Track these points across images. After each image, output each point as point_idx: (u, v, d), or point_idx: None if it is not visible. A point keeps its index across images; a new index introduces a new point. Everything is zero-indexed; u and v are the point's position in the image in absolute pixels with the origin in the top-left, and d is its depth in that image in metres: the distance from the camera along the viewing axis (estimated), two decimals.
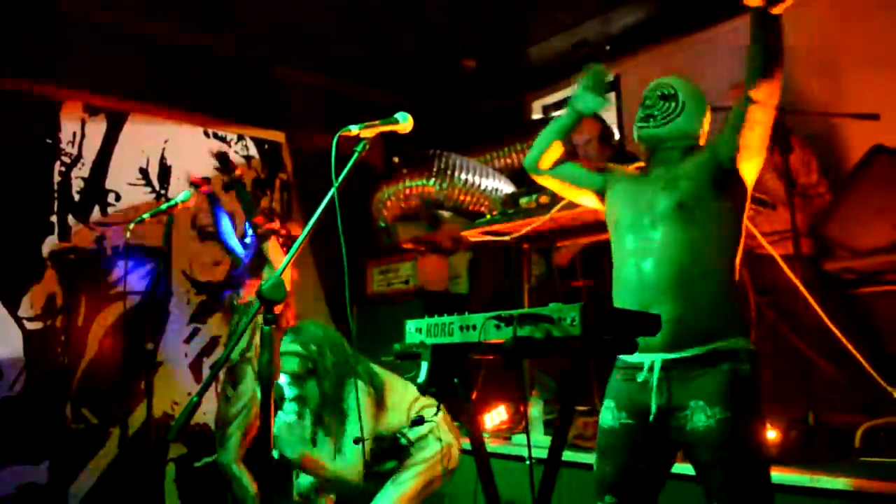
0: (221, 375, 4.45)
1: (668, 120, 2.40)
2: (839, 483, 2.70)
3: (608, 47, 5.88)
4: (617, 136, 5.32)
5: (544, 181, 2.77)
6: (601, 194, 2.59)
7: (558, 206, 3.58)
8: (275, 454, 2.68)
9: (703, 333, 2.16)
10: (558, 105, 6.79)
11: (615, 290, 2.38)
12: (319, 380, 3.09)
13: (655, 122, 2.41)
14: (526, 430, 2.40)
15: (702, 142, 2.46)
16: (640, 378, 2.22)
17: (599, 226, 3.86)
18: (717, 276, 2.22)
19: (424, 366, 2.21)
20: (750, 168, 2.30)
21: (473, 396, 2.60)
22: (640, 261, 2.27)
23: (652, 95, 2.47)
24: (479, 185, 5.40)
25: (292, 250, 1.94)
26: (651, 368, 2.19)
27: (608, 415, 2.31)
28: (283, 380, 3.10)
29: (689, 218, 2.23)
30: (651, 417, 2.18)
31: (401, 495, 3.20)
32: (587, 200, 2.69)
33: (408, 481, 3.23)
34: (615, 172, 2.59)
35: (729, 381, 2.11)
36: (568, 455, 3.40)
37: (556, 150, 2.70)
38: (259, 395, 4.19)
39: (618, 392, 2.30)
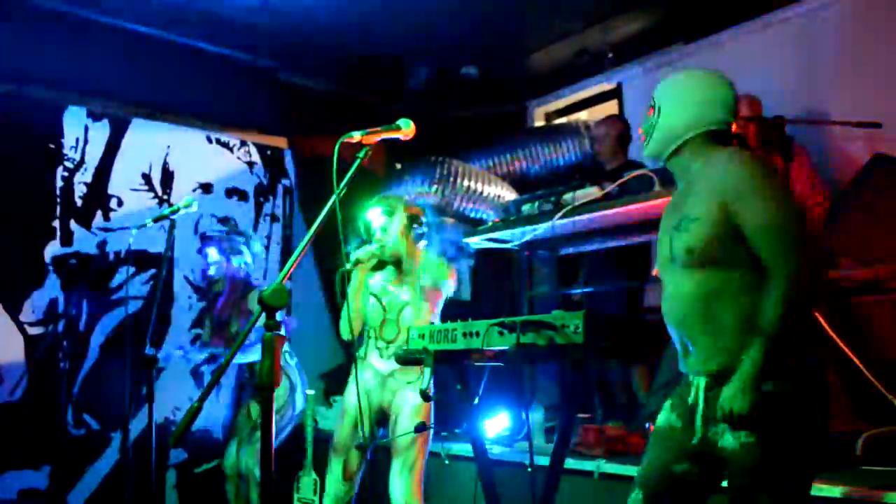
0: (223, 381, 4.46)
1: (650, 133, 2.32)
2: (840, 491, 2.69)
3: (610, 55, 5.89)
4: None
5: None
6: None
7: (560, 213, 3.59)
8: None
9: (734, 359, 2.05)
10: (560, 112, 6.80)
11: (662, 308, 2.32)
12: None
13: (645, 141, 2.35)
14: (528, 437, 2.40)
15: (699, 128, 2.24)
16: (691, 398, 2.18)
17: (601, 232, 3.88)
18: (737, 307, 2.08)
19: (427, 372, 2.22)
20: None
21: (476, 402, 2.59)
22: (672, 295, 2.23)
23: (645, 112, 2.39)
24: (482, 192, 5.41)
25: (293, 256, 1.94)
26: (698, 389, 2.16)
27: (664, 414, 2.27)
28: None
29: (700, 262, 2.11)
30: (695, 438, 2.14)
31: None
32: None
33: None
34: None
35: (760, 402, 1.98)
36: (570, 463, 3.40)
37: None
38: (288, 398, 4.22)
39: (679, 396, 2.26)
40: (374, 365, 3.48)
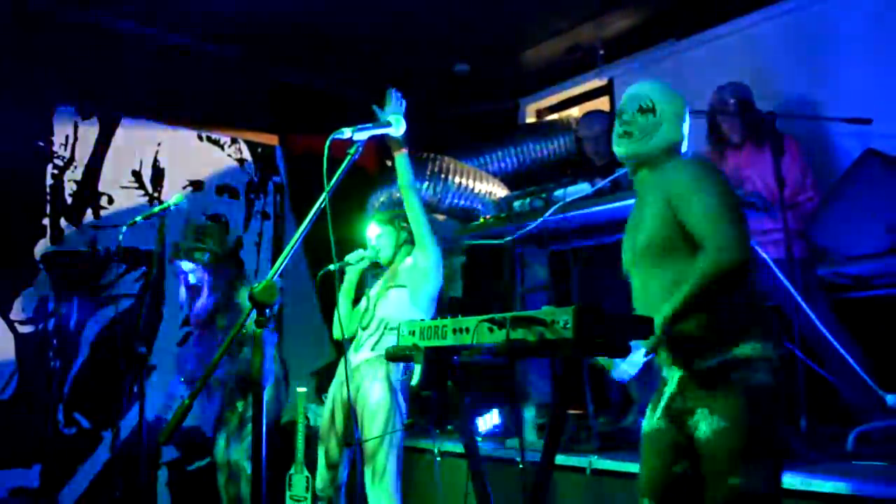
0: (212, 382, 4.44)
1: (646, 136, 2.33)
2: (831, 486, 2.70)
3: (601, 52, 5.89)
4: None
5: None
6: None
7: (552, 209, 3.59)
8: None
9: (715, 346, 2.11)
10: (552, 109, 6.80)
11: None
12: None
13: (632, 139, 2.35)
14: (519, 434, 2.40)
15: (684, 147, 2.41)
16: (667, 391, 2.23)
17: (592, 228, 3.88)
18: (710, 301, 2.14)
19: (418, 368, 2.21)
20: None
21: (467, 399, 2.59)
22: (638, 294, 2.32)
23: (629, 109, 2.39)
24: (473, 189, 5.40)
25: (284, 253, 1.94)
26: (672, 381, 2.21)
27: (647, 420, 2.30)
28: None
29: (660, 258, 2.21)
30: (678, 433, 2.18)
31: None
32: None
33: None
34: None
35: (734, 391, 2.06)
36: (560, 459, 3.40)
37: None
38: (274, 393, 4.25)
39: (656, 398, 2.30)
40: (348, 356, 3.53)
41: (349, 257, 3.55)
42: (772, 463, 2.08)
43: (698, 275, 2.08)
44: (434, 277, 3.45)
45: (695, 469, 2.16)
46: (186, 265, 4.35)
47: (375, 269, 3.77)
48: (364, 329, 3.51)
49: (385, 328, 3.43)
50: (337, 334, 3.51)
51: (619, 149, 2.40)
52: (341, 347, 3.25)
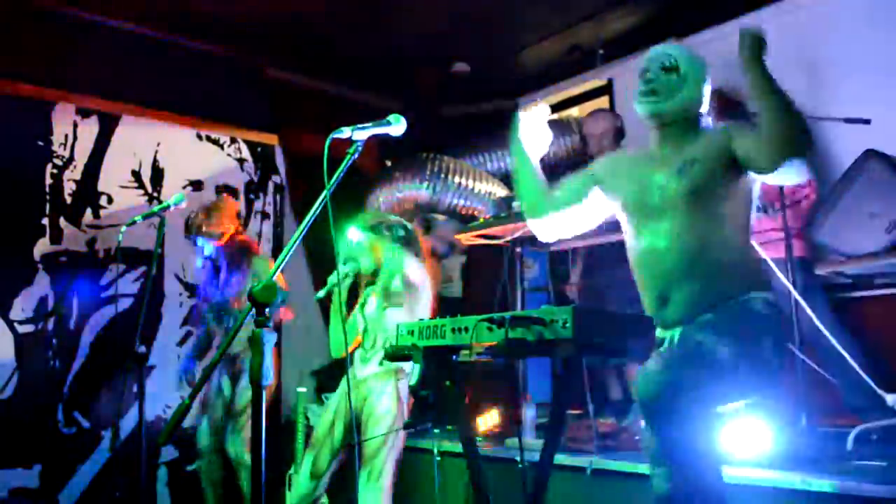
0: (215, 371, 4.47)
1: (671, 94, 2.36)
2: (830, 486, 2.70)
3: (601, 51, 5.89)
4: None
5: (552, 223, 2.68)
6: (602, 187, 2.56)
7: None
8: None
9: (716, 300, 2.18)
10: (551, 108, 6.77)
11: (635, 273, 2.39)
12: None
13: (658, 97, 2.37)
14: (519, 433, 2.40)
15: (703, 108, 2.44)
16: (664, 350, 2.23)
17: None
18: (728, 252, 2.22)
19: (417, 368, 2.22)
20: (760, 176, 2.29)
21: (466, 399, 2.60)
22: (653, 247, 2.29)
23: (652, 67, 2.41)
24: (473, 189, 5.40)
25: (284, 252, 1.93)
26: (672, 341, 2.22)
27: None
28: None
29: (702, 204, 2.22)
30: None
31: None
32: (602, 206, 2.63)
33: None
34: (605, 160, 2.60)
35: (732, 312, 2.14)
36: (560, 458, 3.40)
37: (543, 188, 2.69)
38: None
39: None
40: (355, 368, 3.55)
41: (332, 281, 3.49)
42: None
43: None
44: (424, 295, 3.50)
45: None
46: (200, 240, 4.50)
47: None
48: (368, 349, 3.53)
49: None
50: (335, 353, 3.60)
51: (643, 107, 2.40)
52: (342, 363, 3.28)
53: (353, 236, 3.62)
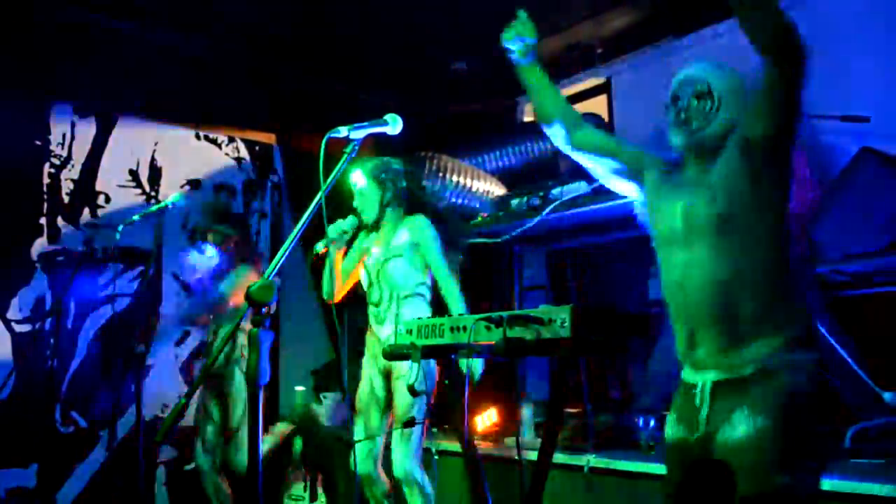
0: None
1: (707, 122, 2.18)
2: (829, 484, 2.70)
3: (599, 50, 5.89)
4: None
5: (565, 144, 2.58)
6: (639, 177, 2.38)
7: (549, 208, 3.59)
8: None
9: (753, 352, 1.99)
10: None
11: (664, 294, 2.21)
12: None
13: (691, 127, 2.19)
14: (517, 433, 2.40)
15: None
16: (696, 400, 2.08)
17: (590, 227, 3.89)
18: (764, 286, 2.02)
19: (415, 367, 2.21)
20: (782, 137, 2.06)
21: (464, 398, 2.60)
22: (683, 277, 2.12)
23: (684, 94, 2.24)
24: (471, 187, 5.40)
25: (281, 251, 1.93)
26: (703, 389, 2.07)
27: (669, 428, 2.20)
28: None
29: (731, 229, 2.03)
30: (699, 431, 2.05)
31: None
32: (623, 187, 2.46)
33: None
34: (650, 158, 2.39)
35: (777, 391, 1.94)
36: (558, 457, 3.40)
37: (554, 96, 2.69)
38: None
39: (679, 407, 2.18)
40: (374, 330, 3.57)
41: (331, 233, 3.43)
42: (817, 465, 1.98)
43: None
44: (433, 246, 3.52)
45: (711, 483, 2.07)
46: (210, 249, 4.49)
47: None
48: (377, 305, 3.53)
49: (398, 298, 3.48)
50: (325, 294, 3.60)
51: (679, 138, 2.22)
52: (332, 314, 3.27)
53: (357, 180, 3.59)
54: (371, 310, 3.58)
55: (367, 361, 3.62)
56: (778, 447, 1.91)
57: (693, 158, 2.23)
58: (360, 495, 3.54)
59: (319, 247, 3.38)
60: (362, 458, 3.50)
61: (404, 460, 3.32)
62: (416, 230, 3.48)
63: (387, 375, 3.49)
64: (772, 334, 1.99)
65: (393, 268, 3.47)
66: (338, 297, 3.62)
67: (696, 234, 2.09)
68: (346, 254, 3.65)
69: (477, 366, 3.11)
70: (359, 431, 3.55)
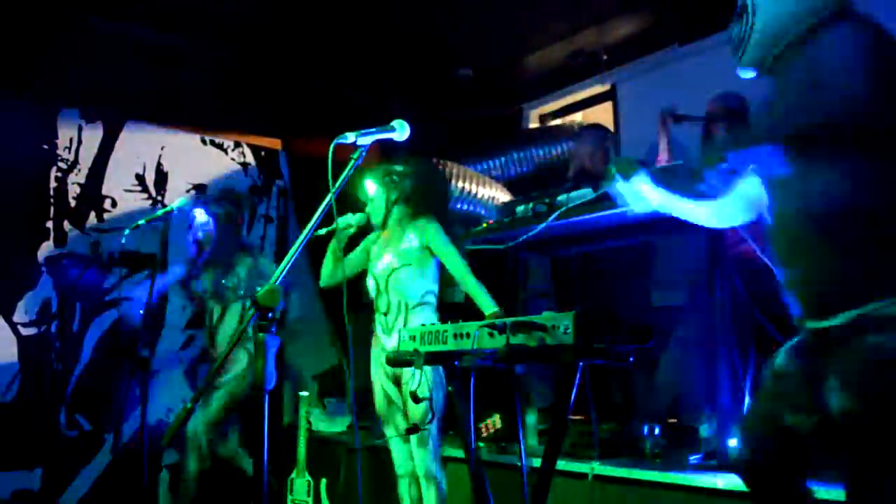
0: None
1: (745, 38, 1.96)
2: (833, 493, 2.69)
3: (604, 57, 5.90)
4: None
5: None
6: None
7: (554, 215, 3.58)
8: None
9: (844, 297, 1.72)
10: (555, 114, 6.81)
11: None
12: None
13: (739, 50, 1.99)
14: (520, 439, 2.40)
15: (804, 23, 1.89)
16: (800, 337, 1.90)
17: (595, 234, 3.88)
18: (857, 222, 1.71)
19: (418, 374, 2.22)
20: None
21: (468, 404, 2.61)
22: (774, 212, 1.90)
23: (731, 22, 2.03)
24: (476, 194, 5.41)
25: (288, 256, 1.94)
26: (805, 332, 1.87)
27: (781, 356, 1.98)
28: None
29: (808, 154, 1.76)
30: (807, 390, 1.83)
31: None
32: None
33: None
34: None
35: (867, 360, 1.66)
36: (562, 464, 3.40)
37: None
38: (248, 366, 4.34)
39: (793, 343, 1.96)
40: (381, 340, 3.56)
41: (339, 221, 3.47)
42: None
43: None
44: (437, 253, 3.50)
45: (813, 432, 1.85)
46: (197, 211, 4.50)
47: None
48: (385, 314, 3.51)
49: (406, 308, 3.46)
50: (323, 280, 3.65)
51: (739, 63, 2.04)
52: (346, 345, 3.27)
53: (369, 188, 3.60)
54: (379, 318, 3.56)
55: (375, 370, 3.60)
56: (869, 429, 1.68)
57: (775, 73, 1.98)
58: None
59: (322, 231, 3.35)
60: (404, 458, 3.53)
61: (426, 459, 3.36)
62: (424, 232, 3.47)
63: (396, 381, 3.49)
64: (866, 277, 1.74)
65: (403, 277, 3.45)
66: (335, 282, 3.62)
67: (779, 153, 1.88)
68: (344, 250, 3.65)
69: None
70: (390, 436, 3.57)
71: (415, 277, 3.46)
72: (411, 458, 3.49)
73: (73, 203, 5.12)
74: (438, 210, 3.57)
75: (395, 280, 3.47)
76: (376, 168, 3.63)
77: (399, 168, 3.62)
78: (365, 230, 3.65)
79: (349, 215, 3.55)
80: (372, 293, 3.60)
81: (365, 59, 5.96)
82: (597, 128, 5.04)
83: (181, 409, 1.80)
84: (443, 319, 3.40)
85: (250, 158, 6.03)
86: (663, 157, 4.33)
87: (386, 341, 3.52)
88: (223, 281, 4.47)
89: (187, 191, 5.61)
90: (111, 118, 5.33)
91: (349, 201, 3.61)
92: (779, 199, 1.88)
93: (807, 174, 1.78)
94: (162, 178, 5.54)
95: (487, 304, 3.29)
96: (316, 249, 3.51)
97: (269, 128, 6.13)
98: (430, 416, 3.08)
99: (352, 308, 3.77)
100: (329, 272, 3.63)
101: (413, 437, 3.37)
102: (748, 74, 2.03)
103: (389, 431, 3.57)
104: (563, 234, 3.81)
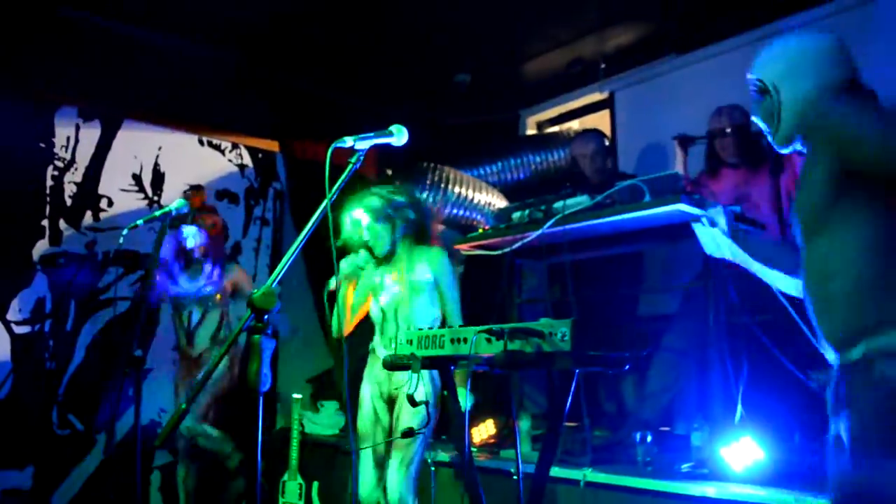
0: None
1: (775, 116, 2.03)
2: (825, 503, 2.70)
3: (603, 65, 5.92)
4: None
5: None
6: None
7: (550, 222, 3.60)
8: None
9: (850, 335, 1.80)
10: (552, 121, 6.83)
11: None
12: None
13: (773, 128, 2.06)
14: (515, 445, 2.41)
15: (833, 90, 1.98)
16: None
17: (591, 241, 3.89)
18: (856, 272, 1.81)
19: (415, 378, 2.22)
20: None
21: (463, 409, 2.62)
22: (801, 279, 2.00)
23: (751, 100, 2.10)
24: (472, 199, 5.42)
25: (284, 260, 1.94)
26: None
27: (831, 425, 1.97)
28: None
29: (818, 230, 1.88)
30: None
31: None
32: None
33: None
34: None
35: (870, 397, 1.72)
36: (555, 471, 3.40)
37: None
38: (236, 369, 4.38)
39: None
40: (381, 358, 3.51)
41: (344, 270, 3.47)
42: None
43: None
44: (441, 287, 3.50)
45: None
46: (189, 229, 4.55)
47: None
48: (392, 340, 3.45)
49: None
50: (335, 332, 3.52)
51: (775, 141, 2.09)
52: (341, 348, 3.26)
53: (361, 218, 3.50)
54: (384, 341, 3.52)
55: (367, 387, 3.57)
56: (864, 476, 1.74)
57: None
58: None
59: (332, 283, 3.35)
60: (372, 487, 3.44)
61: (399, 486, 3.28)
62: (436, 266, 3.44)
63: (390, 403, 3.47)
64: (868, 313, 1.82)
65: (414, 307, 3.43)
66: (347, 332, 3.57)
67: (799, 234, 2.01)
68: (355, 286, 3.60)
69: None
70: (366, 458, 3.47)
71: (425, 307, 3.45)
72: (379, 485, 3.43)
73: (69, 202, 5.11)
74: (432, 235, 3.55)
75: (405, 310, 3.45)
76: (367, 196, 3.55)
77: (400, 199, 3.55)
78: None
79: (353, 257, 3.50)
80: (376, 318, 3.57)
81: (363, 63, 5.97)
82: (594, 132, 5.05)
83: (175, 410, 1.80)
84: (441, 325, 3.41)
85: (247, 160, 6.03)
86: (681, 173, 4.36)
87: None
88: (208, 287, 4.54)
89: (184, 191, 5.60)
90: (109, 117, 5.33)
91: (344, 205, 3.59)
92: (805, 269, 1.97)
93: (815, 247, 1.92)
94: (159, 178, 5.53)
95: None
96: (315, 250, 3.51)
97: (267, 130, 6.13)
98: (426, 420, 3.07)
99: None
100: (339, 324, 3.47)
101: (395, 458, 3.31)
102: (785, 150, 2.10)
103: (365, 453, 3.48)
104: (559, 240, 3.82)
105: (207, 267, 4.62)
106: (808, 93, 1.99)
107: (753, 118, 2.14)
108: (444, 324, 3.50)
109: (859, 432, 1.73)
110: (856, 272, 1.81)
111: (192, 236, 4.55)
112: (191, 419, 4.42)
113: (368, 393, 3.55)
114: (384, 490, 3.41)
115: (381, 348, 3.54)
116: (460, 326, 3.16)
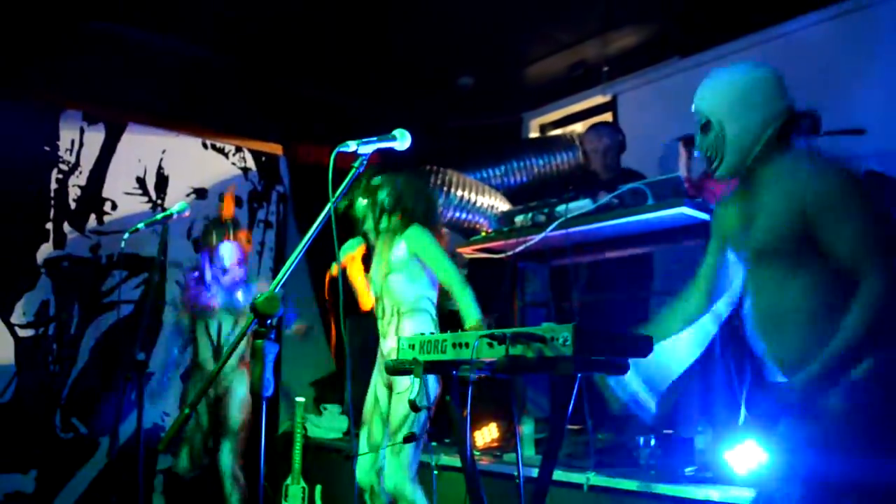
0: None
1: (719, 151, 2.11)
2: None
3: (605, 68, 5.92)
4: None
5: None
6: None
7: (553, 225, 3.60)
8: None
9: (796, 367, 1.93)
10: (555, 124, 6.82)
11: None
12: None
13: (712, 165, 2.14)
14: (517, 449, 2.41)
15: (772, 127, 2.09)
16: None
17: (594, 244, 3.90)
18: (808, 308, 1.97)
19: (416, 382, 2.22)
20: None
21: (465, 414, 2.61)
22: (746, 299, 2.14)
23: (696, 132, 2.19)
24: (475, 202, 5.41)
25: (288, 263, 1.94)
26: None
27: None
28: None
29: (770, 262, 2.02)
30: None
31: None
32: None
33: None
34: (720, 206, 2.34)
35: (802, 420, 1.89)
36: (558, 474, 3.40)
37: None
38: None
39: None
40: (380, 343, 3.59)
41: (343, 257, 3.64)
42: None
43: (863, 307, 1.85)
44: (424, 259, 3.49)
45: None
46: (226, 248, 4.47)
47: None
48: (381, 318, 3.55)
49: (398, 312, 3.47)
50: (366, 306, 3.72)
51: (716, 174, 2.18)
52: (342, 356, 3.28)
53: (361, 201, 3.62)
54: (381, 326, 3.59)
55: (376, 371, 3.63)
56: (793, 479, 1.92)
57: (742, 182, 2.16)
58: None
59: (333, 269, 3.48)
60: (366, 471, 3.49)
61: (394, 474, 3.31)
62: (412, 241, 3.46)
63: (389, 387, 3.50)
64: (813, 348, 1.94)
65: (393, 282, 3.47)
66: (368, 306, 3.70)
67: (746, 260, 2.16)
68: (368, 269, 3.70)
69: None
70: (362, 442, 3.54)
71: (405, 284, 3.47)
72: (373, 470, 3.47)
73: (73, 205, 5.12)
74: (425, 217, 3.55)
75: (388, 286, 3.50)
76: (359, 185, 3.62)
77: (376, 181, 3.60)
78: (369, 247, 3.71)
79: (348, 246, 3.67)
80: (372, 297, 3.66)
81: (367, 67, 5.97)
82: (608, 125, 5.04)
83: (179, 414, 1.80)
84: (442, 328, 3.40)
85: (251, 163, 6.04)
86: (683, 175, 4.36)
87: (383, 343, 3.56)
88: (241, 298, 4.49)
89: (187, 195, 5.61)
90: (113, 121, 5.34)
91: (349, 210, 3.62)
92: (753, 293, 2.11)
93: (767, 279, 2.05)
94: (162, 181, 5.54)
95: (471, 314, 3.24)
96: (315, 254, 3.52)
97: (271, 133, 6.14)
98: (415, 426, 3.08)
99: (348, 314, 3.81)
100: (356, 299, 3.71)
101: (388, 448, 3.35)
102: (724, 182, 2.20)
103: (363, 433, 3.56)
104: (562, 243, 3.82)
105: (239, 278, 4.55)
106: (756, 126, 2.08)
107: (695, 152, 2.22)
108: (445, 299, 3.52)
109: (818, 435, 1.87)
110: (809, 305, 1.94)
111: (228, 255, 4.47)
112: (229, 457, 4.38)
113: (374, 378, 3.60)
114: (377, 475, 3.47)
115: (379, 332, 3.60)
116: (464, 293, 3.25)
